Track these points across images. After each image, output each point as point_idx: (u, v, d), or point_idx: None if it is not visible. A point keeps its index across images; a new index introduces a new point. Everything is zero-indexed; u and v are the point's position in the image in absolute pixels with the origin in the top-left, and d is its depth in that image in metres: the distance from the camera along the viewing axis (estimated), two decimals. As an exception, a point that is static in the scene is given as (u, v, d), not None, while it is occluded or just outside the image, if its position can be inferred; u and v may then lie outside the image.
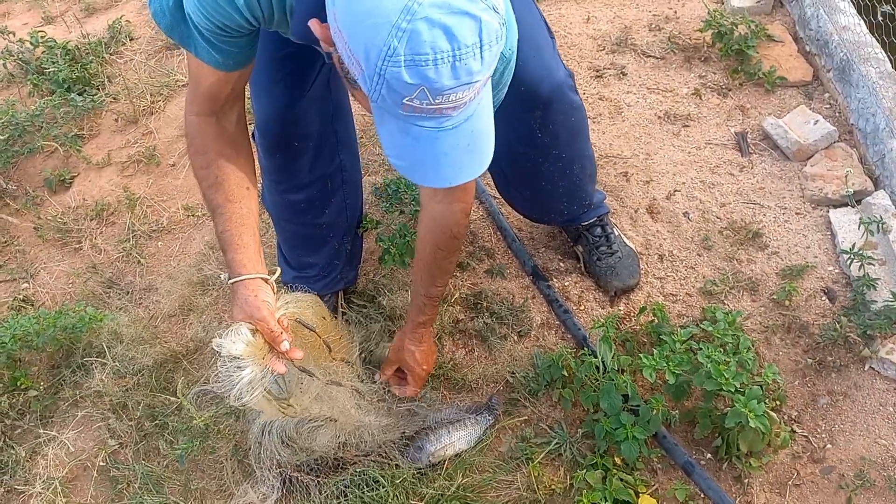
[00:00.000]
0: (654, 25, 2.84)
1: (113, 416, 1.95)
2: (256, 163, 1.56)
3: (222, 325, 2.10)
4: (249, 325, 1.37)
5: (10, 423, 1.99)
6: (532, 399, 1.86)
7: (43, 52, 3.03)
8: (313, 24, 1.12)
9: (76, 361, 2.08)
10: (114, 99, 2.95)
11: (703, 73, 2.63)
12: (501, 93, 1.40)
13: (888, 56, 2.34)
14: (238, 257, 1.41)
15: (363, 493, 1.66)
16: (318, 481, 1.70)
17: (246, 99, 1.50)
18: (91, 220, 2.55)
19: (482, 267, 2.16)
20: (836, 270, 2.02)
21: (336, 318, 1.89)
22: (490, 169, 1.27)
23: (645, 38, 2.80)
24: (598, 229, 2.06)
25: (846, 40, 2.42)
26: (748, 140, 2.39)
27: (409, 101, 1.00)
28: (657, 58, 2.72)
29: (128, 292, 2.29)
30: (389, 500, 1.65)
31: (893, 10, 2.60)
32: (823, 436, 1.74)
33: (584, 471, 1.67)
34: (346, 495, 1.67)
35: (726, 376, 1.60)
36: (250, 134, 1.55)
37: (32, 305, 2.32)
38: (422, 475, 1.71)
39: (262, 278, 1.42)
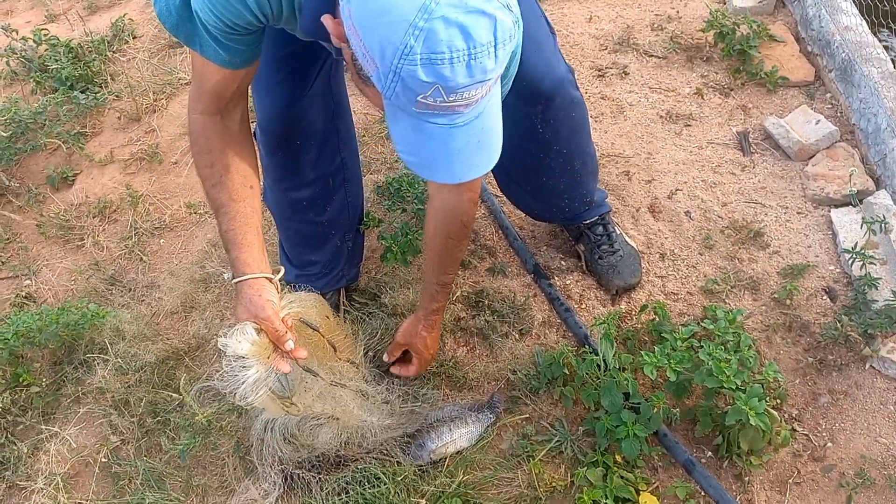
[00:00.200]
0: (656, 25, 2.85)
1: (115, 412, 1.95)
2: (258, 161, 1.57)
3: (224, 322, 2.10)
4: (254, 324, 1.38)
5: (13, 419, 1.99)
6: (533, 397, 1.86)
7: (46, 50, 3.04)
8: (326, 19, 1.12)
9: (78, 358, 2.08)
10: (116, 97, 2.96)
11: (705, 73, 2.64)
12: (506, 87, 1.40)
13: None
14: (242, 256, 1.42)
15: (364, 489, 1.67)
16: (320, 478, 1.70)
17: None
18: (93, 217, 2.55)
19: (484, 265, 2.17)
20: (837, 270, 2.03)
21: (339, 316, 1.89)
22: (492, 166, 1.28)
23: (647, 38, 2.80)
24: (600, 228, 2.06)
25: (848, 40, 2.42)
26: (750, 140, 2.39)
27: (424, 99, 1.00)
28: (659, 57, 2.72)
29: (130, 289, 2.29)
30: (390, 497, 1.65)
31: None
32: (824, 434, 1.74)
33: (585, 468, 1.67)
34: (347, 492, 1.68)
35: (727, 374, 1.60)
36: (252, 132, 1.56)
37: (35, 302, 2.33)
38: (423, 472, 1.72)
39: (266, 277, 1.42)
